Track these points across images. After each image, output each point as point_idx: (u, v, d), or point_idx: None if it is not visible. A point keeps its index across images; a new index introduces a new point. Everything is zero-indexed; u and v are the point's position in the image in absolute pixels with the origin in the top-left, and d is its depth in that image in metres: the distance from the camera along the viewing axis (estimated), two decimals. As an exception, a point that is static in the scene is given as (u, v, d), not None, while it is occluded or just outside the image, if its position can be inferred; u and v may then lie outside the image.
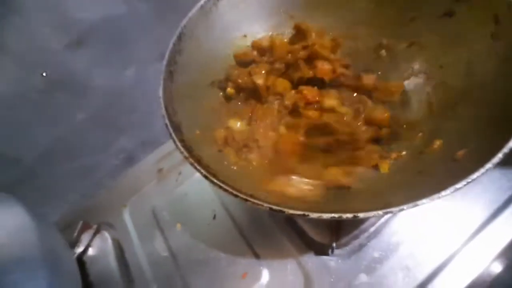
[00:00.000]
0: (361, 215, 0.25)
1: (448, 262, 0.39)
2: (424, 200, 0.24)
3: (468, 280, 0.37)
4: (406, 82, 0.42)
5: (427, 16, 0.42)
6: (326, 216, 0.25)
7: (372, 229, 0.43)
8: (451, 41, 0.39)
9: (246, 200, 0.27)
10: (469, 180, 0.24)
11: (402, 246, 0.41)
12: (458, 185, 0.24)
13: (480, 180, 0.40)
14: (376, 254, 0.41)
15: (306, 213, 0.25)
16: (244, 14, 0.49)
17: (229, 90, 0.46)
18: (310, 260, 0.43)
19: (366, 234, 0.43)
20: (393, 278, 0.39)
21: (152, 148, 0.69)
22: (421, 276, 0.39)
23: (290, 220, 0.46)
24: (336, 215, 0.25)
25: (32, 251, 0.34)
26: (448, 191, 0.24)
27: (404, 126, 0.39)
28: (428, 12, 0.42)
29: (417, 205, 0.24)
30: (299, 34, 0.49)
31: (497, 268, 0.38)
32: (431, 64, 0.41)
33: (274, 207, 0.26)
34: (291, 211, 0.26)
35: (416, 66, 0.42)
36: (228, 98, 0.47)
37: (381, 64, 0.45)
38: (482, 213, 0.41)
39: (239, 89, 0.46)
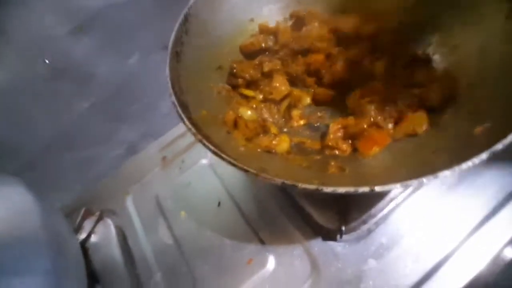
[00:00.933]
0: (377, 188, 0.24)
1: (456, 250, 0.38)
2: (445, 172, 0.23)
3: (478, 268, 0.36)
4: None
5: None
6: (341, 190, 0.24)
7: (380, 214, 0.42)
8: (465, 20, 0.38)
9: (257, 175, 0.26)
10: (492, 150, 0.24)
11: (410, 232, 0.40)
12: (482, 156, 0.24)
13: (483, 174, 0.41)
14: (384, 240, 0.41)
15: (320, 187, 0.25)
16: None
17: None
18: (317, 245, 0.42)
19: (374, 220, 0.42)
20: (402, 263, 0.38)
21: (154, 138, 0.69)
22: (430, 263, 0.38)
23: (297, 205, 0.46)
24: (351, 189, 0.24)
25: (37, 231, 0.34)
26: (470, 162, 0.24)
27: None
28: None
29: (437, 176, 0.23)
30: (298, 22, 0.49)
31: (509, 253, 0.37)
32: (444, 44, 0.40)
33: (287, 181, 0.25)
34: (304, 185, 0.25)
35: (429, 47, 0.41)
36: (234, 86, 0.46)
37: (391, 45, 0.44)
38: (490, 201, 0.40)
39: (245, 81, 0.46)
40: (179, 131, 0.63)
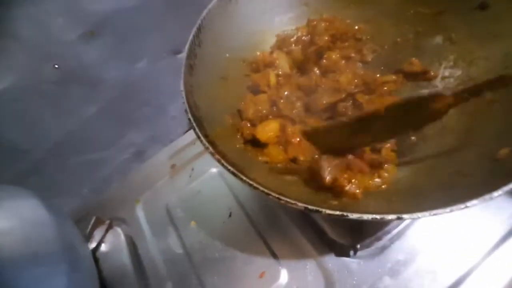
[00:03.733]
0: (406, 216, 0.23)
1: (475, 269, 0.38)
2: (474, 201, 0.23)
3: (500, 285, 0.36)
4: (435, 80, 0.40)
5: (457, 10, 0.40)
6: (367, 217, 0.24)
7: (395, 231, 0.42)
8: (484, 36, 0.37)
9: (279, 199, 0.26)
10: None
11: (427, 249, 0.40)
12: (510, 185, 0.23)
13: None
14: (400, 257, 0.40)
15: (346, 213, 0.24)
16: (264, 6, 0.48)
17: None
18: (331, 261, 0.42)
19: (389, 236, 0.41)
20: (419, 282, 0.38)
21: (161, 143, 0.68)
22: (447, 282, 0.37)
23: (309, 220, 0.45)
24: (378, 216, 0.23)
25: (51, 245, 0.34)
26: (500, 191, 0.23)
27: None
28: (458, 5, 0.40)
29: (467, 206, 0.23)
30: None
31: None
32: (462, 59, 0.39)
33: (310, 206, 0.25)
34: (328, 211, 0.24)
35: (446, 62, 0.40)
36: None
37: (406, 59, 0.43)
38: (507, 222, 0.40)
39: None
40: (188, 138, 0.62)
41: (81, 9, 0.60)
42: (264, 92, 0.44)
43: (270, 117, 0.42)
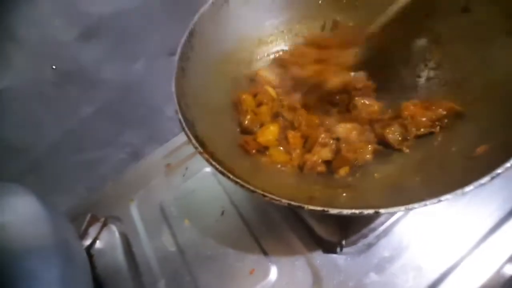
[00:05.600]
0: (382, 210, 0.24)
1: (459, 264, 0.39)
2: (447, 196, 0.24)
3: (480, 281, 0.37)
4: (420, 79, 0.42)
5: (442, 13, 0.41)
6: (346, 212, 0.25)
7: (381, 228, 0.43)
8: (467, 37, 0.39)
9: (264, 196, 0.27)
10: (493, 175, 0.24)
11: (412, 246, 0.41)
12: (482, 180, 0.24)
13: (486, 187, 0.41)
14: (386, 253, 0.41)
15: (326, 208, 0.25)
16: (255, 10, 0.49)
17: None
18: (319, 257, 0.43)
19: (375, 233, 0.43)
20: (404, 277, 0.39)
21: (157, 143, 0.69)
22: (432, 276, 0.38)
23: (298, 217, 0.46)
24: (357, 211, 0.25)
25: (45, 240, 0.35)
26: (471, 186, 0.24)
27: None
28: (442, 8, 0.41)
29: (440, 200, 0.24)
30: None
31: (509, 270, 0.37)
32: (446, 60, 0.40)
33: (293, 202, 0.26)
34: (311, 207, 0.25)
35: (431, 63, 0.41)
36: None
37: (393, 60, 0.45)
38: (492, 216, 0.41)
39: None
40: (183, 138, 0.63)
41: (79, 11, 0.61)
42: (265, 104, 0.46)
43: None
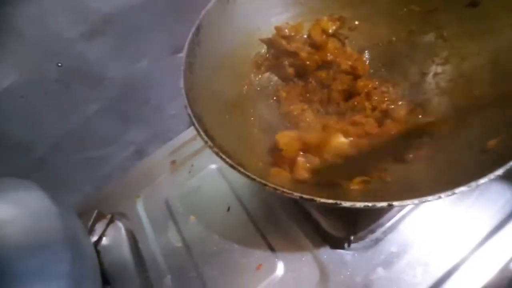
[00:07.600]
0: (396, 203, 0.24)
1: (466, 260, 0.39)
2: (462, 188, 0.24)
3: (488, 277, 0.37)
4: (428, 76, 0.42)
5: (448, 8, 0.41)
6: (359, 204, 0.25)
7: (388, 224, 0.43)
8: (475, 32, 0.39)
9: (275, 189, 0.27)
10: (507, 167, 0.24)
11: (420, 241, 0.41)
12: (496, 172, 0.24)
13: (492, 185, 0.41)
14: (393, 249, 0.41)
15: (339, 201, 0.25)
16: (261, 7, 0.49)
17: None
18: (326, 253, 0.43)
19: (382, 229, 0.43)
20: (412, 272, 0.39)
21: (161, 141, 0.69)
22: (439, 273, 0.38)
23: (305, 213, 0.46)
24: (370, 204, 0.25)
25: (56, 235, 0.35)
26: (486, 178, 0.24)
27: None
28: (449, 3, 0.41)
29: (454, 193, 0.24)
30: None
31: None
32: (454, 56, 0.40)
33: (305, 195, 0.26)
34: (322, 200, 0.25)
35: (438, 59, 0.41)
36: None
37: (401, 57, 0.45)
38: (499, 213, 0.41)
39: None
40: (189, 135, 0.63)
41: (84, 8, 0.61)
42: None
43: None
